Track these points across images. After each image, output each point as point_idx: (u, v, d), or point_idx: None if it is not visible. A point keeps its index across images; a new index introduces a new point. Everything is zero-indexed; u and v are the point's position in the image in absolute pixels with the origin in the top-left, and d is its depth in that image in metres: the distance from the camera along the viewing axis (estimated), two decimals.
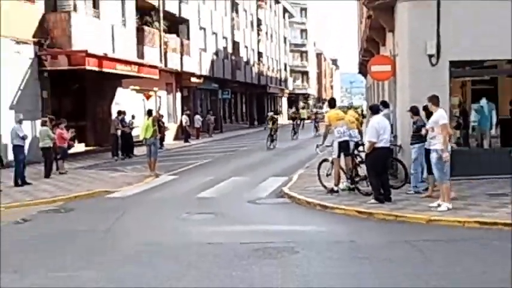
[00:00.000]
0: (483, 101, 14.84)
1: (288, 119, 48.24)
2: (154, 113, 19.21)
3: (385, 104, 15.32)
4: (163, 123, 31.23)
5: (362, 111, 33.65)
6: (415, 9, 14.13)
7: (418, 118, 12.43)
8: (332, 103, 14.91)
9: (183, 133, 35.14)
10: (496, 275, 6.85)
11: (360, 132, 14.76)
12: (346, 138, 13.13)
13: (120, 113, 25.35)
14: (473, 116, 15.00)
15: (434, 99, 11.15)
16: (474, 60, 14.57)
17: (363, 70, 31.65)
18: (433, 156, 10.74)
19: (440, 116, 10.77)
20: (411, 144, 12.49)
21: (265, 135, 30.03)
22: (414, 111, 12.59)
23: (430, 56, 13.95)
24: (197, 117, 38.39)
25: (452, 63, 14.13)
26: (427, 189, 12.20)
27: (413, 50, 14.12)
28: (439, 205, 10.64)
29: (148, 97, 26.54)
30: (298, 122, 38.99)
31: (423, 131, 11.49)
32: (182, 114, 36.73)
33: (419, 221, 10.07)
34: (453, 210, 10.34)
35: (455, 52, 13.91)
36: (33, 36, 22.02)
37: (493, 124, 14.80)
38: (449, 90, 13.79)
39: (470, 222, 9.65)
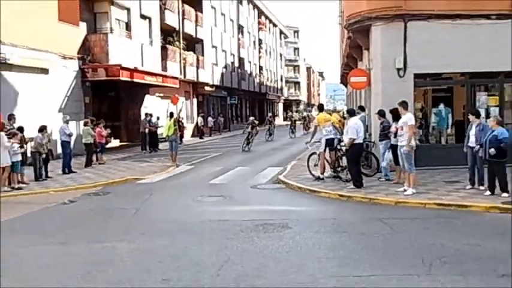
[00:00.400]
0: (441, 106, 14.84)
1: (284, 120, 48.14)
2: (175, 115, 19.19)
3: (362, 108, 15.39)
4: (182, 123, 31.28)
5: (343, 114, 33.57)
6: (386, 32, 14.13)
7: (385, 120, 12.49)
8: (321, 107, 15.00)
9: (198, 131, 35.15)
10: (449, 245, 6.89)
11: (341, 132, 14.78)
12: (332, 136, 13.18)
13: (147, 115, 25.38)
14: (433, 118, 15.02)
15: (404, 104, 11.19)
16: (434, 73, 14.61)
17: (344, 81, 31.60)
18: (402, 150, 10.77)
19: (409, 118, 10.83)
20: (379, 140, 12.58)
21: (265, 134, 30.10)
22: (381, 114, 12.68)
23: (398, 70, 13.98)
24: (210, 118, 38.53)
25: (416, 76, 14.14)
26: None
27: (385, 64, 14.13)
28: (405, 190, 10.68)
29: (175, 101, 26.54)
30: (293, 123, 38.75)
31: (392, 129, 11.52)
32: (198, 116, 36.74)
33: (389, 203, 10.10)
34: (416, 194, 10.38)
35: (418, 66, 13.93)
36: (78, 53, 22.05)
37: (449, 125, 14.81)
38: (413, 97, 13.80)
39: (430, 204, 9.69)
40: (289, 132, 34.80)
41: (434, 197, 10.12)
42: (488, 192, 10.11)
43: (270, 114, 38.45)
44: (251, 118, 27.73)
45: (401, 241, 7.30)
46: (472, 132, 10.74)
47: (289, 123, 37.86)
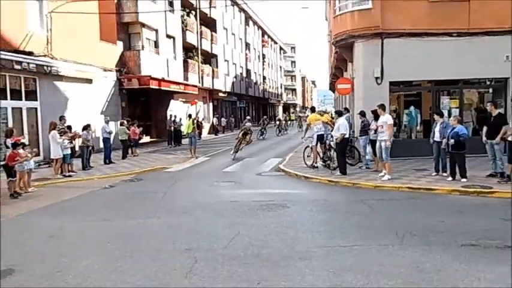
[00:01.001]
0: (411, 108, 14.76)
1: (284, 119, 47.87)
2: (193, 116, 19.25)
3: (347, 110, 15.31)
4: (201, 123, 31.26)
5: (331, 115, 33.32)
6: (367, 47, 14.07)
7: (365, 119, 12.46)
8: (313, 109, 15.03)
9: (213, 129, 35.12)
10: (419, 221, 6.89)
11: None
12: (322, 132, 13.18)
13: (171, 116, 25.46)
14: (404, 118, 14.92)
15: (383, 107, 11.19)
16: (405, 81, 14.53)
17: (332, 87, 31.49)
18: (382, 144, 10.76)
19: (388, 118, 10.85)
20: (360, 136, 12.55)
21: (257, 134, 26.51)
22: (362, 114, 12.67)
23: (376, 78, 13.92)
24: (223, 119, 38.52)
25: (391, 83, 14.08)
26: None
27: (365, 74, 14.08)
28: (382, 176, 10.67)
29: (193, 103, 26.53)
30: (289, 123, 38.42)
31: (373, 126, 11.47)
32: (213, 117, 36.74)
33: (369, 187, 10.09)
34: (392, 180, 10.35)
35: (393, 76, 13.89)
36: (116, 66, 22.04)
37: (418, 123, 14.73)
38: (389, 101, 13.75)
39: (403, 188, 9.66)
40: (276, 131, 32.83)
41: (406, 182, 10.09)
42: (450, 178, 10.07)
43: (265, 116, 37.07)
44: (247, 124, 20.56)
45: (379, 218, 7.29)
46: (437, 129, 10.70)
47: (283, 122, 36.78)
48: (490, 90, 14.78)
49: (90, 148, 14.60)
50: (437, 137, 10.64)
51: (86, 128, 14.40)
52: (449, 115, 13.29)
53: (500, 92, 14.22)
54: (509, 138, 9.49)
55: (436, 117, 10.96)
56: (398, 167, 12.04)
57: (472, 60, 13.49)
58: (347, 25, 14.56)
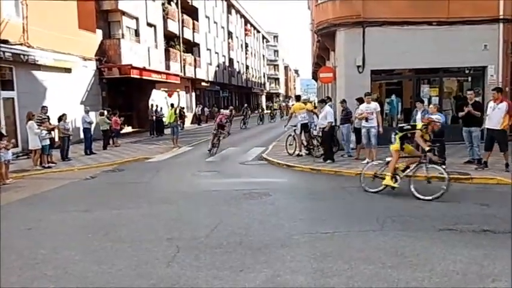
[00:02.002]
0: (393, 97, 14.90)
1: (266, 109, 47.88)
2: (175, 106, 19.11)
3: (329, 98, 15.36)
4: (184, 113, 31.05)
5: (314, 103, 33.37)
6: (348, 36, 14.12)
7: (346, 107, 12.52)
8: (298, 98, 14.95)
9: (196, 119, 34.92)
10: (399, 207, 7.01)
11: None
12: (306, 121, 13.21)
13: (153, 106, 25.23)
14: (386, 106, 15.06)
15: (370, 95, 11.40)
16: (387, 69, 14.65)
17: (315, 76, 31.52)
18: (373, 131, 10.94)
19: (376, 105, 11.18)
20: (341, 124, 12.57)
21: (239, 123, 27.46)
22: (343, 102, 12.71)
23: (358, 67, 14.02)
24: (206, 108, 38.27)
25: (373, 72, 14.20)
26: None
27: (347, 63, 14.14)
28: (368, 162, 10.79)
29: (170, 95, 26.25)
30: (273, 113, 38.44)
31: (364, 115, 11.30)
32: (196, 106, 36.48)
33: (350, 174, 10.16)
34: (373, 166, 10.43)
35: (374, 64, 13.99)
36: (95, 55, 21.65)
37: (399, 111, 14.91)
38: (370, 90, 13.83)
39: (383, 175, 9.74)
40: (258, 120, 32.89)
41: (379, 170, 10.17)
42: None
43: (245, 104, 36.65)
44: (225, 111, 18.24)
45: (359, 205, 7.38)
46: (418, 117, 10.81)
47: (268, 112, 36.73)
48: (469, 78, 15.03)
49: (69, 138, 14.36)
50: None
51: (61, 117, 14.11)
52: (429, 103, 13.46)
53: (478, 80, 14.47)
54: (486, 125, 9.68)
55: (418, 104, 11.10)
56: (379, 155, 12.06)
57: (452, 49, 13.68)
58: (329, 14, 14.56)
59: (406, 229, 5.74)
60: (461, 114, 10.40)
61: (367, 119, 11.26)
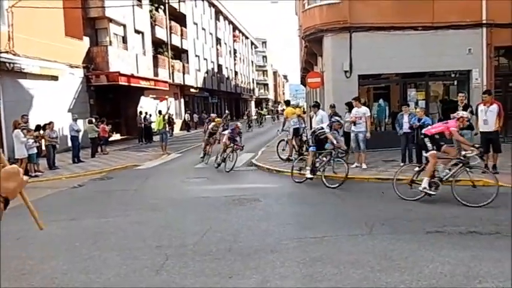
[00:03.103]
0: (381, 101, 15.07)
1: (255, 115, 47.88)
2: (164, 112, 19.09)
3: (318, 103, 15.43)
4: (173, 119, 30.98)
5: (304, 109, 33.40)
6: (335, 41, 14.25)
7: (335, 112, 12.58)
8: (287, 103, 15.10)
9: (185, 126, 34.82)
10: (388, 211, 7.06)
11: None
12: (297, 126, 13.27)
13: (141, 113, 25.14)
14: (374, 110, 15.21)
15: (359, 99, 11.52)
16: (374, 74, 14.80)
17: (304, 82, 31.67)
18: (360, 135, 11.02)
19: (366, 110, 11.28)
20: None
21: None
22: (332, 107, 12.79)
23: (345, 72, 14.14)
24: (195, 115, 38.22)
25: (360, 76, 14.33)
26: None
27: (335, 68, 14.26)
28: (357, 166, 10.90)
29: (162, 100, 26.17)
30: (261, 118, 38.45)
31: (349, 118, 11.51)
32: (185, 113, 36.41)
33: (340, 178, 10.20)
34: (362, 171, 10.55)
35: (361, 69, 14.13)
36: (83, 62, 21.51)
37: (386, 115, 15.06)
38: (358, 94, 13.92)
39: (372, 179, 9.87)
40: (246, 126, 31.99)
41: (376, 173, 10.30)
42: (417, 168, 10.31)
43: (227, 111, 36.29)
44: (216, 119, 16.08)
45: (349, 209, 7.43)
46: (405, 120, 10.97)
47: (254, 117, 36.48)
48: (455, 82, 15.25)
49: (56, 147, 14.22)
50: (405, 128, 10.90)
51: (48, 125, 13.98)
52: (416, 107, 13.62)
53: (464, 84, 14.68)
54: (480, 129, 9.70)
55: (404, 108, 11.23)
56: (367, 158, 12.24)
57: (437, 53, 13.88)
58: (316, 19, 14.68)
59: (394, 232, 5.78)
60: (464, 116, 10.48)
61: (355, 123, 11.36)
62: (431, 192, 7.47)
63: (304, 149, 13.51)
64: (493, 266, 4.45)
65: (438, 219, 6.35)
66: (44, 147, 14.28)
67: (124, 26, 25.24)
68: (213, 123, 14.99)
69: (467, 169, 7.37)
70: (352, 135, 11.34)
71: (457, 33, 13.90)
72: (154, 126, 21.50)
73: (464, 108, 10.39)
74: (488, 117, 9.54)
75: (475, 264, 4.53)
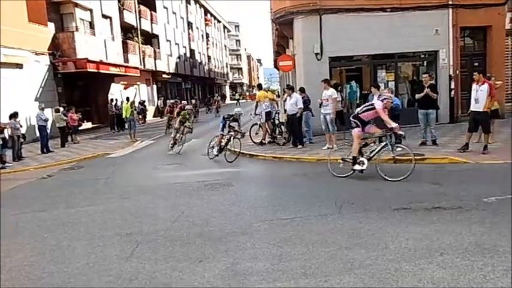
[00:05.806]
0: (352, 83, 15.20)
1: (230, 100, 47.64)
2: (131, 100, 18.87)
3: (290, 86, 15.48)
4: (145, 106, 30.53)
5: (278, 93, 33.46)
6: (305, 24, 14.23)
7: (305, 95, 12.67)
8: (260, 86, 15.11)
9: (159, 112, 34.36)
10: (357, 191, 7.20)
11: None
12: (269, 109, 13.32)
13: (112, 100, 24.65)
14: (346, 92, 15.38)
15: (328, 81, 11.62)
16: (346, 55, 14.88)
17: (277, 65, 31.65)
18: (328, 117, 11.18)
19: (333, 92, 11.41)
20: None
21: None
22: (302, 90, 12.89)
23: (316, 54, 14.16)
24: (168, 101, 37.60)
25: (331, 58, 14.40)
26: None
27: (305, 50, 14.26)
28: (328, 148, 11.03)
29: (126, 88, 25.71)
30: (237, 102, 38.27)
31: (319, 101, 11.71)
32: (158, 99, 35.88)
33: (312, 161, 10.36)
34: (334, 152, 10.65)
35: (332, 51, 14.19)
36: (48, 49, 20.85)
37: (357, 97, 15.23)
38: (330, 77, 14.05)
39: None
40: (215, 112, 32.46)
41: (344, 154, 10.39)
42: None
43: (193, 100, 34.60)
44: (187, 106, 16.58)
45: (319, 190, 7.53)
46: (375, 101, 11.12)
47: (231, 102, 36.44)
48: (424, 63, 15.52)
49: (21, 138, 13.80)
50: None
51: (14, 116, 13.55)
52: (386, 88, 13.83)
53: (431, 64, 14.96)
54: (471, 108, 9.83)
55: (373, 89, 11.37)
56: (339, 140, 12.43)
57: (405, 34, 14.07)
58: (286, 1, 14.60)
59: (363, 211, 5.92)
60: (418, 96, 10.69)
61: (321, 105, 11.51)
62: (358, 168, 8.07)
63: (277, 132, 13.64)
64: (454, 239, 4.63)
65: (404, 196, 6.53)
66: (7, 138, 13.86)
67: (91, 10, 24.50)
68: (184, 111, 14.62)
69: (391, 147, 7.93)
70: (321, 117, 11.47)
71: (424, 14, 14.10)
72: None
73: (431, 88, 10.64)
74: (479, 97, 9.42)
75: (438, 237, 4.70)
